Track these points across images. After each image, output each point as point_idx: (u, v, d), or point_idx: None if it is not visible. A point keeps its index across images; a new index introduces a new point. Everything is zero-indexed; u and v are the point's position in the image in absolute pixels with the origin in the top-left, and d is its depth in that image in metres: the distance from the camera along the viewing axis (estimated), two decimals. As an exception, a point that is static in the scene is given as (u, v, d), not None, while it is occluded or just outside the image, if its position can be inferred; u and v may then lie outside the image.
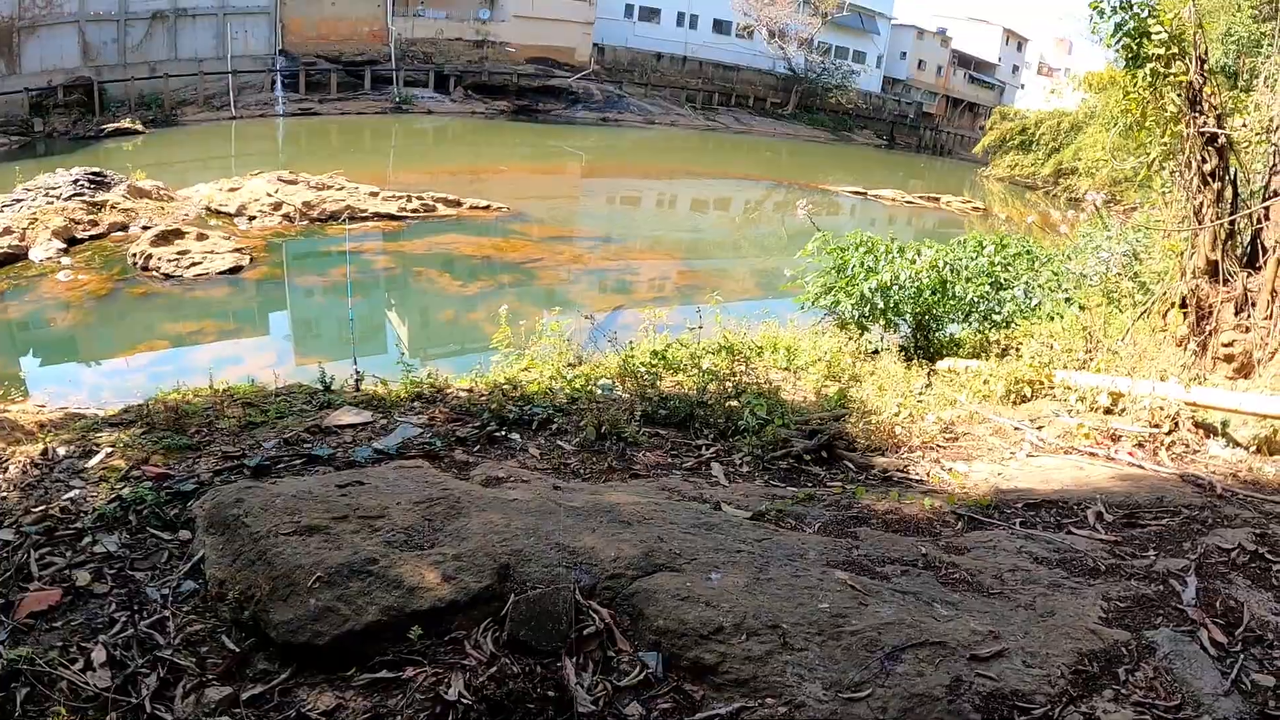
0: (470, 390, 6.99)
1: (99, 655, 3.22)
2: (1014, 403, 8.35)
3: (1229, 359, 7.91)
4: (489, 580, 3.43)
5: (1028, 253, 13.31)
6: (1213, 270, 8.15)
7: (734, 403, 6.94)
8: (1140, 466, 6.25)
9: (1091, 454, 6.63)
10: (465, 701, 2.99)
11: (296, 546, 3.59)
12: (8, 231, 17.09)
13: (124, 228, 18.99)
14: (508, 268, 19.76)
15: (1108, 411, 7.54)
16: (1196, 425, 7.09)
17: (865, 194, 41.63)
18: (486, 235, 22.15)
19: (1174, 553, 4.26)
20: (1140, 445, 6.81)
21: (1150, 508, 5.03)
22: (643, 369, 7.68)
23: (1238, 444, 6.89)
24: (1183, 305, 8.44)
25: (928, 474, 6.13)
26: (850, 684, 2.99)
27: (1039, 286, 12.38)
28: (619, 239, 25.62)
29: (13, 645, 3.23)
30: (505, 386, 6.97)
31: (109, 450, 5.00)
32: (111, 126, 35.28)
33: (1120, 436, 6.96)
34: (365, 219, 22.04)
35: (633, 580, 3.50)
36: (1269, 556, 4.19)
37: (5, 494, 4.45)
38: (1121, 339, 9.12)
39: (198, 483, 4.49)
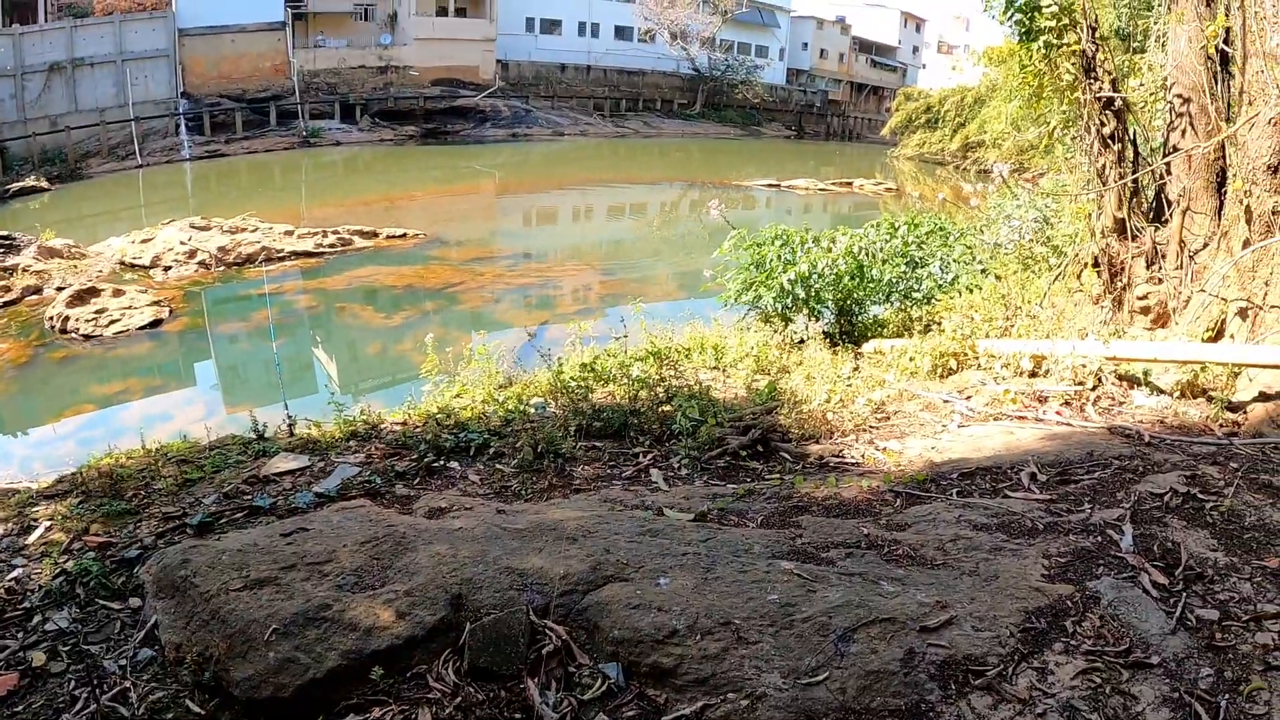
0: (404, 423, 6.97)
1: (65, 737, 3.20)
2: (941, 376, 8.49)
3: (1145, 311, 8.14)
4: (443, 612, 3.47)
5: (940, 229, 13.61)
6: (1121, 228, 8.39)
7: (667, 407, 7.00)
8: (1069, 424, 6.39)
9: (1020, 418, 6.77)
10: (435, 734, 3.04)
11: (248, 601, 3.59)
12: (-85, 305, 16.62)
13: (38, 290, 18.48)
14: (430, 294, 19.62)
15: (1032, 375, 7.71)
16: (1120, 378, 7.28)
17: (779, 185, 42.04)
18: (406, 264, 21.97)
19: (1109, 503, 4.37)
20: (1067, 404, 6.97)
21: (1082, 463, 5.14)
22: (573, 383, 7.71)
23: (1161, 391, 7.07)
24: (1095, 264, 8.66)
25: (863, 456, 6.21)
26: (807, 670, 3.06)
27: (954, 261, 12.66)
28: (539, 254, 25.58)
29: (-26, 737, 3.20)
30: (439, 416, 6.96)
31: (48, 524, 4.91)
32: (16, 186, 34.06)
33: (1047, 398, 7.12)
34: (283, 259, 21.74)
35: (584, 594, 3.55)
36: (1201, 496, 4.32)
37: (-54, 580, 4.37)
38: (1039, 303, 9.36)
39: (141, 548, 4.44)
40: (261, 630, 3.42)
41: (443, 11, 56.66)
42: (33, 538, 4.78)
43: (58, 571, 4.22)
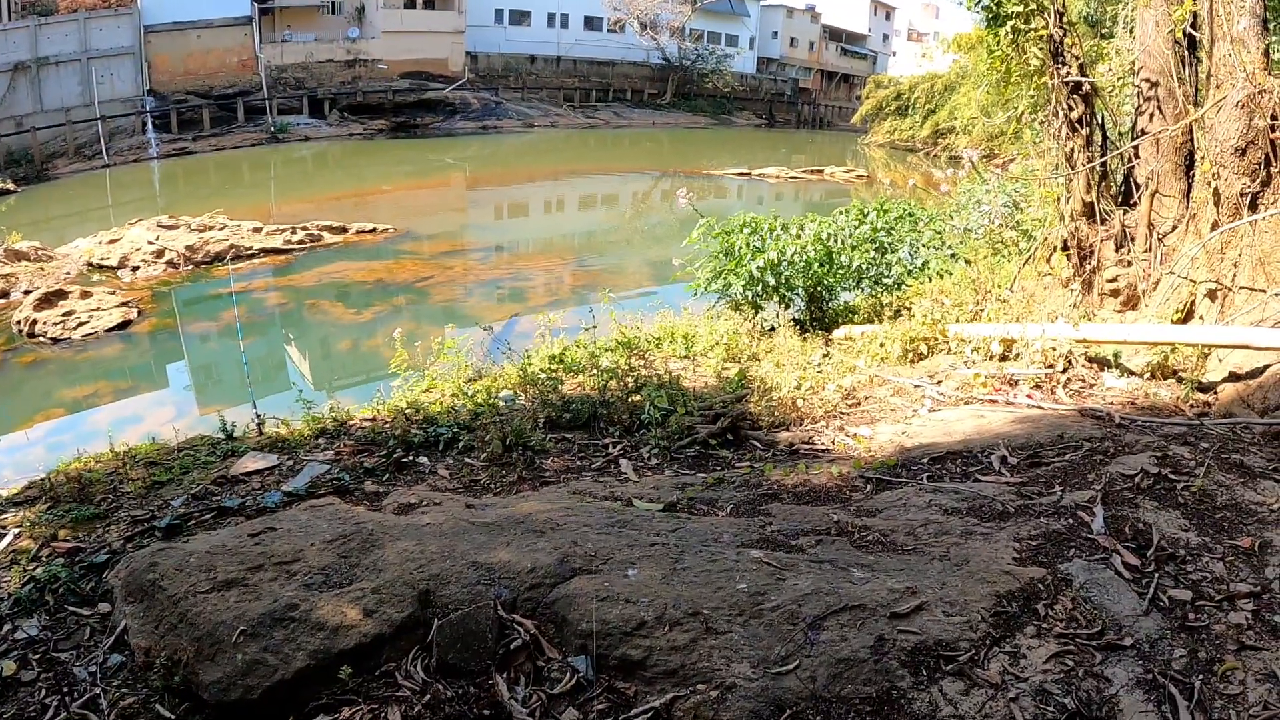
0: (374, 419, 6.93)
1: (36, 747, 3.16)
2: (911, 361, 8.52)
3: (1115, 294, 8.19)
4: (411, 609, 3.44)
5: (909, 215, 13.66)
6: (1090, 211, 8.44)
7: (636, 397, 7.00)
8: (1039, 407, 6.42)
9: (991, 401, 6.80)
10: (404, 732, 3.01)
11: (216, 603, 3.55)
12: (-121, 313, 16.42)
13: (4, 294, 18.29)
14: (401, 289, 19.58)
15: (1003, 359, 7.75)
16: (1090, 360, 7.33)
17: (750, 174, 42.15)
18: (376, 259, 21.92)
19: (1079, 485, 4.38)
20: (1037, 387, 7.01)
21: (1052, 445, 5.16)
22: (542, 375, 7.70)
23: (1131, 373, 7.14)
24: (1065, 248, 8.72)
25: (833, 442, 6.22)
26: (777, 659, 3.05)
27: (923, 246, 12.71)
28: (510, 247, 25.61)
29: (-57, 751, 3.16)
30: (408, 411, 6.93)
31: (16, 531, 4.87)
32: (-19, 189, 33.79)
33: (1017, 381, 7.16)
34: (252, 256, 21.58)
35: (552, 587, 3.53)
36: (1172, 476, 4.32)
37: (-86, 590, 4.31)
38: (1009, 287, 9.40)
39: (110, 552, 4.40)
40: (229, 632, 3.38)
41: (411, 4, 56.25)
42: (1, 545, 4.73)
43: (26, 579, 4.18)
